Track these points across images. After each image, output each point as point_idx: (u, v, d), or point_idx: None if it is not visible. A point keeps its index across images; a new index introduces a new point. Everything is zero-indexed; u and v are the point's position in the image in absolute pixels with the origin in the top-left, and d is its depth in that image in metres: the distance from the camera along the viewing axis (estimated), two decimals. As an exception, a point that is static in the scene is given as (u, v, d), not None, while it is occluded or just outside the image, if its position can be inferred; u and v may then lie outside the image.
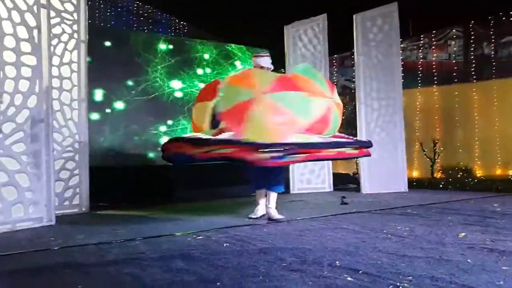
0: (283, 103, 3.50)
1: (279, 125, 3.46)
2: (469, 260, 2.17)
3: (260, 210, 4.00)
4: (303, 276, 1.98)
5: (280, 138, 3.37)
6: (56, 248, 2.80)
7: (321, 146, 3.51)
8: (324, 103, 3.66)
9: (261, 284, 1.88)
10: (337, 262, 2.21)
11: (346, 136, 4.04)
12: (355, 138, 3.70)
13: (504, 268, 2.02)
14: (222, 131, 3.59)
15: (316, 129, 3.61)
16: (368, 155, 4.09)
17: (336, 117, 3.79)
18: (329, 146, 3.58)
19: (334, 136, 3.79)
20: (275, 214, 3.90)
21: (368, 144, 3.99)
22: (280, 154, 3.26)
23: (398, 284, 1.80)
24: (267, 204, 3.96)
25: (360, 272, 2.00)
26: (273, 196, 3.96)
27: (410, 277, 1.89)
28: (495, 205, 4.58)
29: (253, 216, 3.96)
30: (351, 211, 4.40)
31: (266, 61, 4.02)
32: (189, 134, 3.82)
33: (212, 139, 3.50)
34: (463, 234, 2.92)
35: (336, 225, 3.54)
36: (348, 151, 3.77)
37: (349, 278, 1.91)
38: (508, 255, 2.29)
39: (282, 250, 2.54)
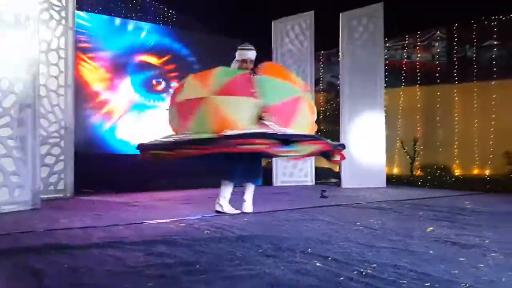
0: (312, 101, 3.84)
1: (312, 124, 3.81)
2: (431, 252, 2.34)
3: (227, 204, 3.87)
4: (277, 261, 2.12)
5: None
6: (41, 230, 2.90)
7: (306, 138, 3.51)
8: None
9: (237, 267, 2.01)
10: (309, 249, 2.35)
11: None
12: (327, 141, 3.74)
13: (461, 259, 2.19)
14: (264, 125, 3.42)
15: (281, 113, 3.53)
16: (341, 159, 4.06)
17: (305, 113, 3.72)
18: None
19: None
20: (249, 207, 3.90)
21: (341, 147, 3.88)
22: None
23: (362, 270, 1.95)
24: (246, 196, 3.92)
25: (329, 259, 2.15)
26: (253, 189, 3.97)
27: (375, 265, 2.04)
28: (467, 202, 4.79)
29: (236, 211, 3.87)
30: (330, 204, 4.56)
31: (253, 54, 3.97)
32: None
33: (282, 134, 3.30)
34: (430, 228, 3.09)
35: (313, 216, 3.69)
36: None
37: (318, 264, 2.06)
38: (468, 248, 2.46)
39: (260, 238, 2.68)
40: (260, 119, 3.45)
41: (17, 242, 2.55)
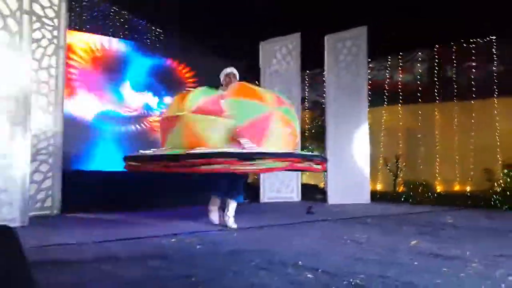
0: (288, 115, 3.92)
1: (289, 136, 3.89)
2: (415, 263, 2.46)
3: (216, 216, 4.15)
4: (270, 273, 2.21)
5: (289, 147, 3.78)
6: (32, 246, 2.92)
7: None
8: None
9: (233, 279, 2.09)
10: (300, 262, 2.44)
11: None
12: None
13: (444, 269, 2.31)
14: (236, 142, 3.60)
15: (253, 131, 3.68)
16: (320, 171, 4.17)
17: (277, 127, 3.84)
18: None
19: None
20: (233, 223, 4.02)
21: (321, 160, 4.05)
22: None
23: (351, 280, 2.05)
24: (226, 212, 4.04)
25: (320, 271, 2.25)
26: (234, 205, 4.10)
27: (363, 276, 2.14)
28: (448, 217, 4.95)
29: (216, 222, 4.11)
30: (317, 220, 4.67)
31: (231, 69, 4.39)
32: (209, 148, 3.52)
33: (258, 152, 3.46)
34: (414, 242, 3.22)
35: (301, 231, 3.79)
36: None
37: (309, 276, 2.15)
38: (450, 260, 2.59)
39: (251, 252, 2.76)
40: (234, 139, 3.62)
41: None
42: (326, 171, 4.29)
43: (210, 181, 4.15)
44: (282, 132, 3.84)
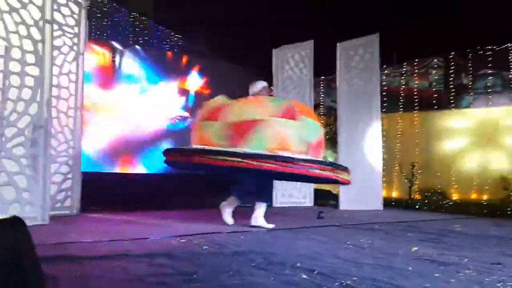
0: (289, 129, 4.02)
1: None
2: (410, 268, 2.54)
3: (230, 217, 4.39)
4: (267, 273, 2.33)
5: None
6: (52, 243, 3.11)
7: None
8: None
9: (230, 278, 2.22)
10: (298, 264, 2.56)
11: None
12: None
13: (437, 275, 2.39)
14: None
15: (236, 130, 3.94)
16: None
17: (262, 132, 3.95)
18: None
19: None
20: (266, 223, 4.32)
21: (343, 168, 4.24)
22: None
23: (343, 282, 2.15)
24: (256, 215, 4.31)
25: (315, 272, 2.36)
26: (264, 207, 4.38)
27: (355, 278, 2.24)
28: (457, 225, 4.97)
29: (231, 223, 4.33)
30: (324, 225, 4.76)
31: (260, 84, 4.71)
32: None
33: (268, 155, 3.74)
34: (415, 248, 3.29)
35: (307, 235, 3.90)
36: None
37: (304, 276, 2.26)
38: (446, 265, 2.66)
39: (254, 253, 2.89)
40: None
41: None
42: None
43: (233, 181, 4.39)
44: (267, 142, 3.95)
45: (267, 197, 4.52)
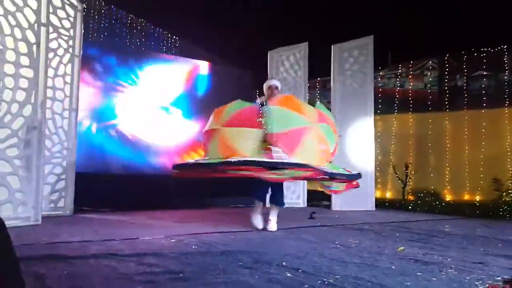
0: (326, 133, 4.09)
1: (322, 153, 4.06)
2: (393, 267, 2.60)
3: (260, 221, 4.38)
4: (253, 272, 2.38)
5: (320, 164, 3.89)
6: (43, 243, 3.16)
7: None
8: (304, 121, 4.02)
9: (216, 276, 2.27)
10: (284, 263, 2.61)
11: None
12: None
13: (418, 274, 2.44)
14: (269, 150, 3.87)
15: (286, 140, 3.90)
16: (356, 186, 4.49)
17: (311, 141, 4.02)
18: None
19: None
20: (274, 226, 4.35)
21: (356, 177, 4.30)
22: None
23: (325, 280, 2.21)
24: (271, 217, 4.37)
25: (300, 271, 2.41)
26: (278, 210, 4.45)
27: (338, 276, 2.30)
28: (446, 226, 5.03)
29: (260, 227, 4.34)
30: (315, 225, 4.81)
31: (276, 81, 4.69)
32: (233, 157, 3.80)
33: (285, 162, 3.71)
34: (401, 248, 3.34)
35: (297, 235, 3.95)
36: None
37: (288, 274, 2.32)
38: (429, 265, 2.71)
39: (242, 253, 2.94)
40: (267, 145, 3.89)
41: (21, 252, 2.80)
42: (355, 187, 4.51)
43: (252, 187, 4.45)
44: (315, 148, 4.00)
45: (282, 199, 4.58)
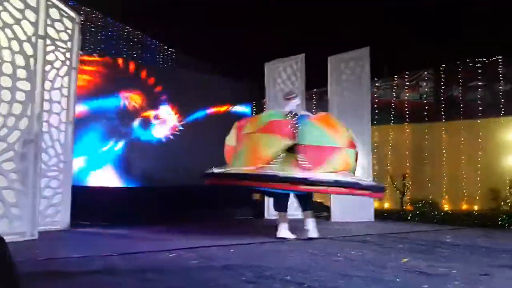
0: (350, 159, 4.34)
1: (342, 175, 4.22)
2: (398, 280, 2.56)
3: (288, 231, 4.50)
4: (257, 287, 2.33)
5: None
6: (41, 258, 3.09)
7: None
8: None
9: (219, 292, 2.22)
10: (288, 277, 2.56)
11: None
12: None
13: (424, 286, 2.40)
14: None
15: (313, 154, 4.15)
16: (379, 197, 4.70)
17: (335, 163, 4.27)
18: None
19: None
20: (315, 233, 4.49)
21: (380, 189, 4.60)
22: None
23: (331, 294, 2.16)
24: (309, 226, 4.48)
25: (305, 285, 2.36)
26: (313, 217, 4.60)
27: (344, 290, 2.26)
28: (448, 236, 5.00)
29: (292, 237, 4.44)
30: (316, 237, 4.75)
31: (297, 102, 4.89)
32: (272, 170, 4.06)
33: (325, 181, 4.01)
34: (405, 259, 3.30)
35: (298, 248, 3.90)
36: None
37: (293, 289, 2.27)
38: (433, 277, 2.67)
39: (244, 267, 2.88)
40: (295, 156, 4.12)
41: (19, 269, 2.73)
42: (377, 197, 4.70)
43: (273, 202, 4.79)
44: (338, 169, 4.19)
45: (311, 202, 4.78)
